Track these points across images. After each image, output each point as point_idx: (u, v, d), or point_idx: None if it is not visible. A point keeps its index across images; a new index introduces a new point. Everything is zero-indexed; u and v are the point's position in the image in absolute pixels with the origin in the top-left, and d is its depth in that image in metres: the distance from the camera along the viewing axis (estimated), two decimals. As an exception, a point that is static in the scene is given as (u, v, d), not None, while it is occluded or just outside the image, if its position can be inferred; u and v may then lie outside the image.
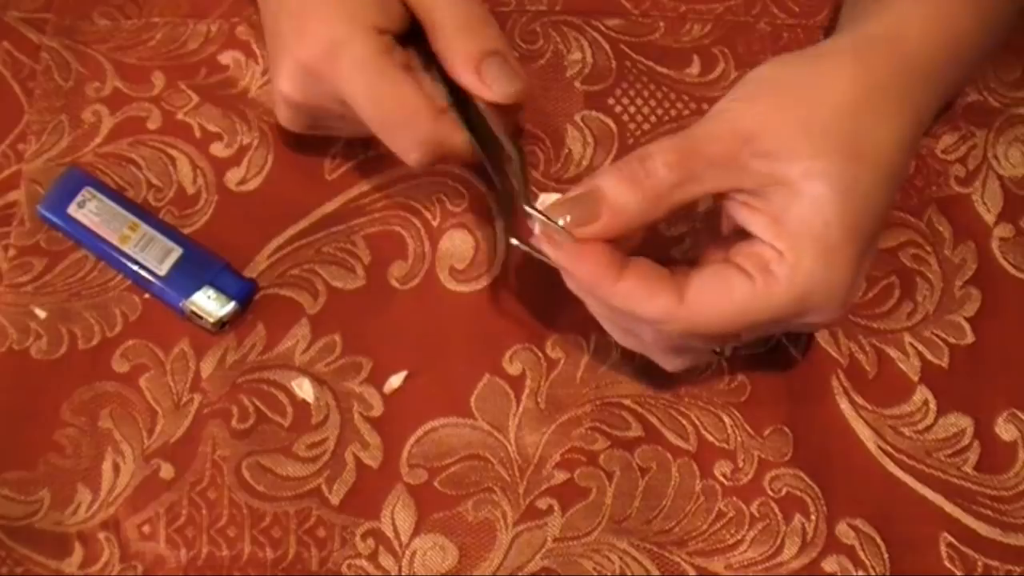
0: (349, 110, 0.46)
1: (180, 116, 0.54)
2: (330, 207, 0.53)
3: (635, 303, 0.41)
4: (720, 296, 0.41)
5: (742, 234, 0.42)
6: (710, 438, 0.50)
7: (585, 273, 0.42)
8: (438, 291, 0.52)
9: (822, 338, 0.51)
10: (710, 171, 0.41)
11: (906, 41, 0.43)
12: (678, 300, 0.41)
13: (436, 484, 0.49)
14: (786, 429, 0.50)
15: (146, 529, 0.48)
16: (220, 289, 0.50)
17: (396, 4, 0.47)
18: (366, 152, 0.53)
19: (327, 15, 0.45)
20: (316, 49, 0.45)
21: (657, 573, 0.47)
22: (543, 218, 0.42)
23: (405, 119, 0.45)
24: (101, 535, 0.48)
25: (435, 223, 0.53)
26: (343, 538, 0.48)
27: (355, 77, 0.45)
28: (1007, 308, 0.51)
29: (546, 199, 0.43)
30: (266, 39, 0.49)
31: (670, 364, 0.46)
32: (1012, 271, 0.52)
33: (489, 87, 0.46)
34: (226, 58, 0.55)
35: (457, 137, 0.46)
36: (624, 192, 0.41)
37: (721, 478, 0.49)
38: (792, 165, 0.40)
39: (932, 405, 0.50)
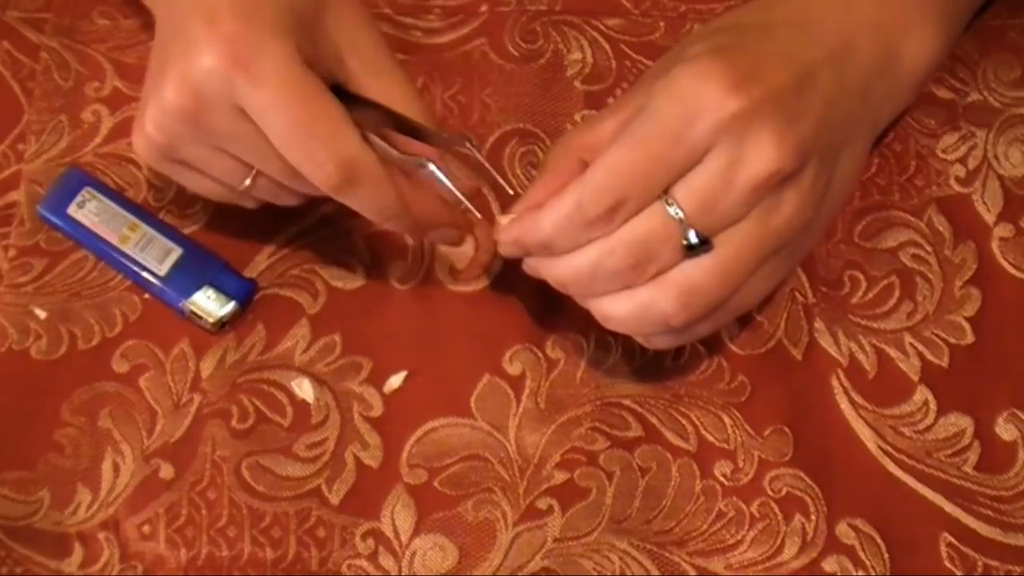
0: (231, 141, 0.43)
1: (180, 116, 0.54)
2: (330, 207, 0.53)
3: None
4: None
5: None
6: (710, 438, 0.49)
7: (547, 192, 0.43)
8: (438, 291, 0.52)
9: (822, 338, 0.51)
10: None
11: None
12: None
13: (436, 484, 0.49)
14: (786, 429, 0.50)
15: (146, 529, 0.48)
16: (220, 289, 0.50)
17: (328, 55, 0.44)
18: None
19: (248, 19, 0.41)
20: (229, 48, 0.41)
21: (657, 573, 0.47)
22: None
23: (328, 132, 0.42)
24: (101, 535, 0.48)
25: (435, 223, 0.53)
26: (343, 538, 0.48)
27: (274, 80, 0.41)
28: (1007, 308, 0.51)
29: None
30: (156, 41, 0.45)
31: (679, 314, 0.42)
32: (1012, 271, 0.52)
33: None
34: (226, 58, 0.55)
35: (376, 166, 0.43)
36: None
37: (721, 478, 0.49)
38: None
39: (932, 405, 0.50)
